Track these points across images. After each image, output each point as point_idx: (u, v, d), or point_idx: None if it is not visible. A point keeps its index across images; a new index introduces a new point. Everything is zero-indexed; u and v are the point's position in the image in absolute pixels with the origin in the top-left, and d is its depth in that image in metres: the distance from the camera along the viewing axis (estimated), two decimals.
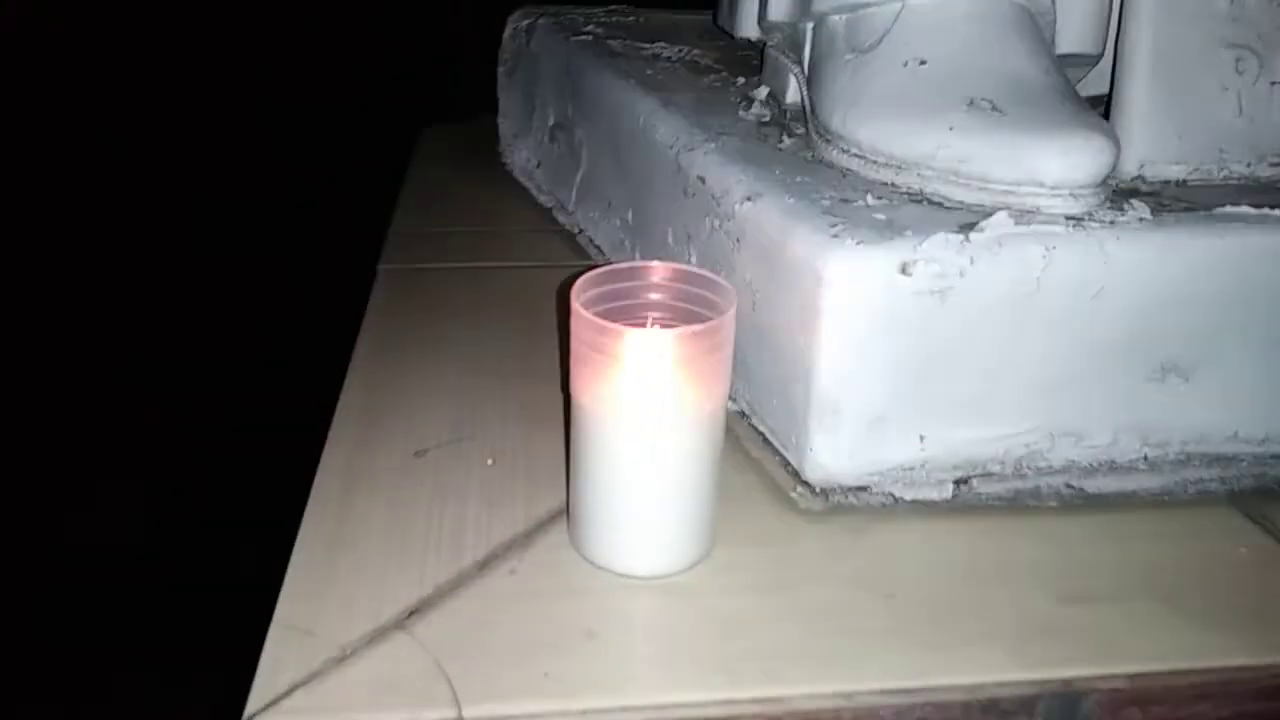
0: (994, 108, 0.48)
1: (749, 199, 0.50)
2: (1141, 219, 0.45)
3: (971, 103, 0.48)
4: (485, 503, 0.47)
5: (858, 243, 0.43)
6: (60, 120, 2.21)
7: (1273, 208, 0.46)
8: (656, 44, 0.81)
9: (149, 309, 2.04)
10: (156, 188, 2.21)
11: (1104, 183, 0.46)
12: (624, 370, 0.39)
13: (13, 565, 1.51)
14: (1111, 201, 0.47)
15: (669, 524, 0.42)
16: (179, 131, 2.24)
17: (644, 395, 0.39)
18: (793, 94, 0.65)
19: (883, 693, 0.38)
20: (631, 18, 0.92)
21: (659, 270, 0.43)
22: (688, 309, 0.42)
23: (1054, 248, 0.44)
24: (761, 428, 0.52)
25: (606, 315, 0.41)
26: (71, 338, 1.96)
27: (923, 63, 0.52)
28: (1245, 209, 0.46)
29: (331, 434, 0.52)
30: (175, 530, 1.61)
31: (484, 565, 0.43)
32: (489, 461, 0.50)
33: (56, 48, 2.25)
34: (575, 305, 0.40)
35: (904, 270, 0.43)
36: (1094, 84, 0.61)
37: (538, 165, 0.89)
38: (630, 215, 0.69)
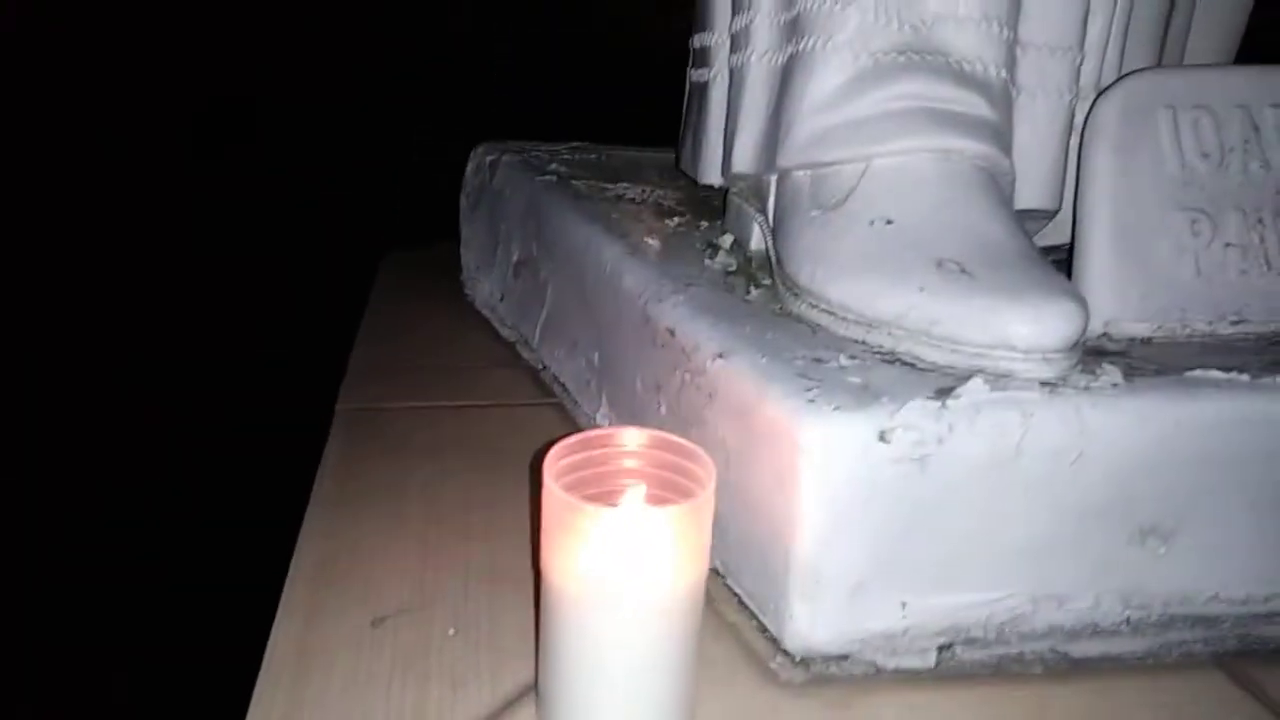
0: (962, 270, 0.48)
1: (720, 356, 0.50)
2: (1115, 384, 0.45)
3: (940, 264, 0.49)
4: (448, 682, 0.44)
5: (834, 408, 0.43)
6: (60, 120, 2.19)
7: (1240, 370, 0.47)
8: (620, 184, 0.82)
9: (149, 309, 2.00)
10: (156, 187, 2.18)
11: (1075, 346, 0.47)
12: (598, 550, 0.37)
13: (13, 565, 1.44)
14: (1083, 364, 0.47)
15: (646, 710, 0.39)
16: (179, 131, 2.23)
17: (619, 576, 0.37)
18: (757, 241, 0.65)
19: None
20: (594, 155, 0.93)
21: (634, 438, 0.41)
22: (665, 477, 0.41)
23: (1031, 414, 0.43)
24: (737, 589, 0.50)
25: (580, 484, 0.39)
26: (71, 338, 1.91)
27: (889, 222, 0.52)
28: (1214, 373, 0.47)
29: (284, 599, 0.50)
30: (175, 530, 1.56)
31: None
32: (451, 631, 0.48)
33: (56, 48, 2.25)
34: (547, 481, 0.38)
35: (882, 438, 0.42)
36: (1051, 233, 0.63)
37: (501, 299, 0.89)
38: (597, 358, 0.68)
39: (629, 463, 0.41)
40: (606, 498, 0.40)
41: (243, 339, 1.94)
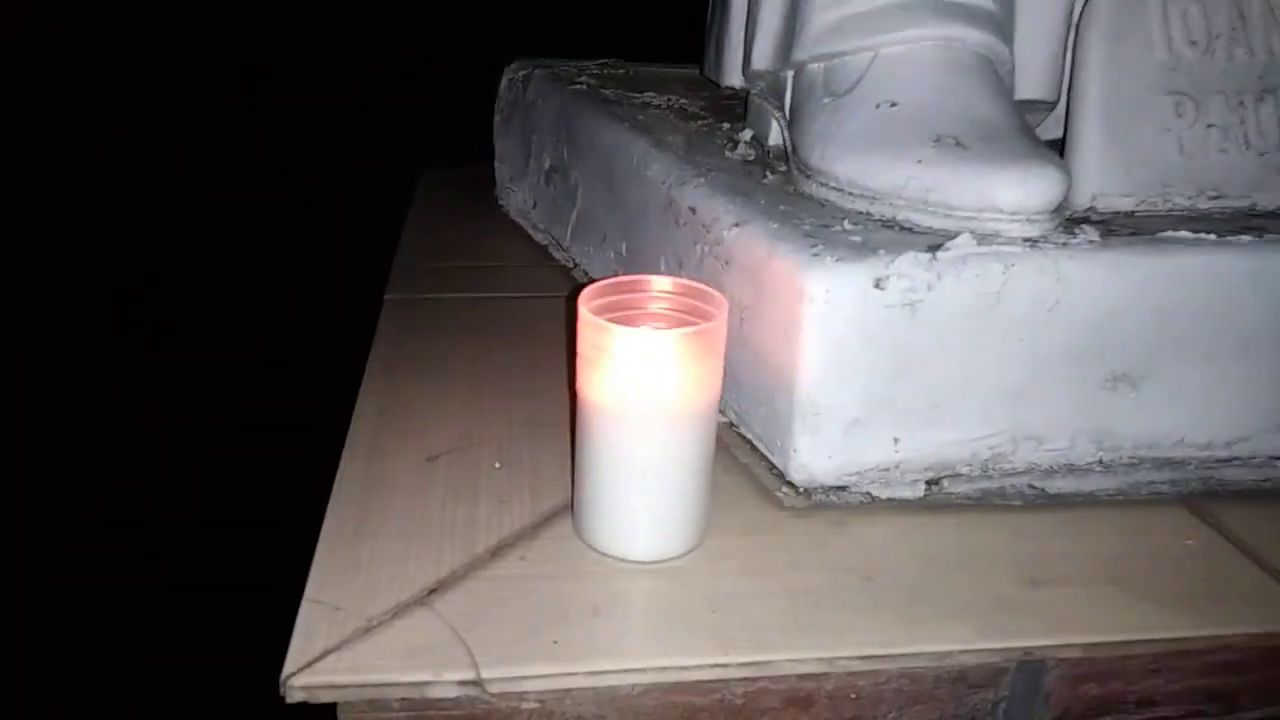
0: (958, 143, 0.53)
1: (736, 225, 0.55)
2: (1091, 241, 0.50)
3: (938, 139, 0.54)
4: (495, 501, 0.51)
5: (836, 260, 0.48)
6: (60, 120, 2.23)
7: (1210, 234, 0.51)
8: (646, 93, 0.87)
9: (149, 309, 2.06)
10: (156, 188, 2.23)
11: (1057, 210, 0.51)
12: (627, 369, 0.43)
13: (13, 565, 1.52)
14: (1065, 227, 0.52)
15: (667, 512, 0.46)
16: (179, 132, 2.27)
17: (645, 392, 0.43)
18: (775, 137, 0.70)
19: (861, 659, 0.42)
20: (622, 70, 0.98)
21: (657, 282, 0.47)
22: (682, 317, 0.46)
23: (1012, 265, 0.48)
24: (749, 435, 0.56)
25: (610, 321, 0.45)
26: (71, 337, 1.98)
27: (894, 104, 0.57)
28: (1184, 234, 0.51)
29: (347, 444, 0.56)
30: (175, 530, 1.62)
31: (496, 552, 0.47)
32: (497, 465, 0.54)
33: (56, 48, 2.28)
34: (582, 311, 0.44)
35: (877, 285, 0.48)
36: (1051, 129, 0.67)
37: (534, 205, 0.94)
38: (624, 247, 0.73)
39: (652, 304, 0.47)
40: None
41: (246, 336, 1.98)
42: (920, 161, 0.53)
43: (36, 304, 2.03)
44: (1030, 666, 0.45)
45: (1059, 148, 0.64)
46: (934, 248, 0.49)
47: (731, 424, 0.58)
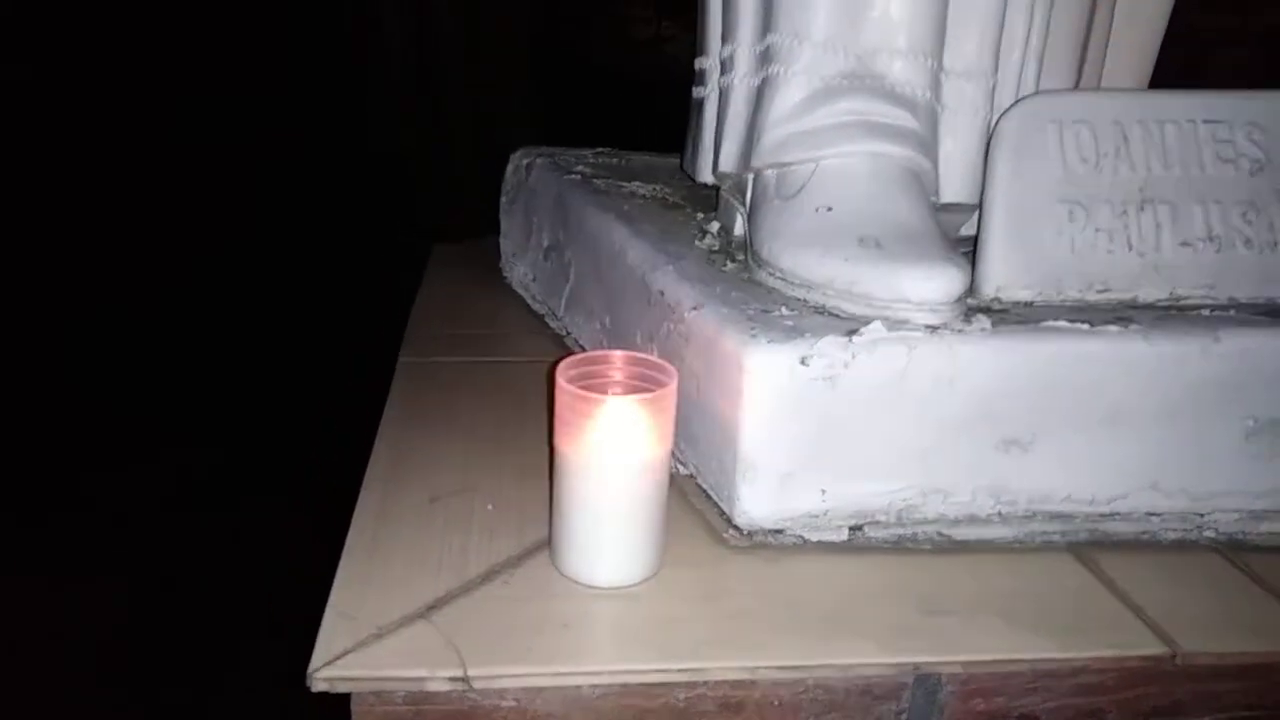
0: (878, 244, 0.64)
1: (695, 308, 0.66)
2: (983, 329, 0.61)
3: (861, 240, 0.64)
4: (486, 535, 0.61)
5: (769, 341, 0.59)
6: (60, 120, 2.33)
7: (1083, 322, 0.62)
8: (634, 183, 0.98)
9: (149, 310, 2.16)
10: (157, 195, 2.34)
11: (958, 301, 0.62)
12: (594, 428, 0.53)
13: (13, 567, 1.59)
14: (965, 315, 0.62)
15: (626, 547, 0.55)
16: (214, 215, 2.39)
17: (609, 447, 0.53)
18: (740, 229, 0.81)
19: (779, 669, 0.51)
20: (615, 159, 1.09)
21: (620, 357, 0.57)
22: (640, 385, 0.57)
23: (915, 348, 0.59)
24: (704, 485, 0.66)
25: (582, 389, 0.55)
26: (71, 337, 2.06)
27: (829, 209, 0.68)
28: (1062, 323, 0.62)
29: (364, 484, 0.66)
30: (176, 531, 1.70)
31: (485, 578, 0.56)
32: (489, 506, 0.64)
33: (56, 47, 2.38)
34: (559, 380, 0.54)
35: (803, 362, 0.58)
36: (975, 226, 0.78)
37: (533, 279, 1.05)
38: (608, 320, 0.84)
39: (615, 374, 0.57)
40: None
41: (245, 336, 2.08)
42: (847, 259, 0.64)
43: (36, 304, 2.12)
44: (927, 682, 0.54)
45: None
46: (851, 332, 0.59)
47: (691, 475, 0.68)
